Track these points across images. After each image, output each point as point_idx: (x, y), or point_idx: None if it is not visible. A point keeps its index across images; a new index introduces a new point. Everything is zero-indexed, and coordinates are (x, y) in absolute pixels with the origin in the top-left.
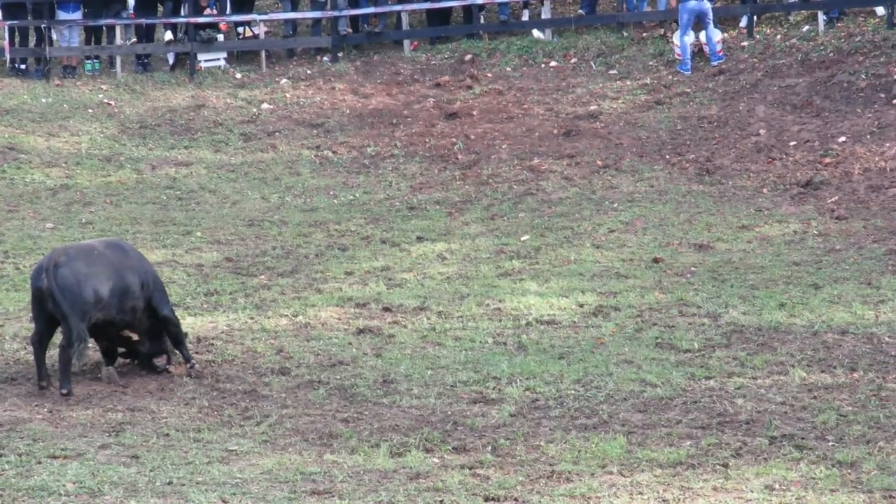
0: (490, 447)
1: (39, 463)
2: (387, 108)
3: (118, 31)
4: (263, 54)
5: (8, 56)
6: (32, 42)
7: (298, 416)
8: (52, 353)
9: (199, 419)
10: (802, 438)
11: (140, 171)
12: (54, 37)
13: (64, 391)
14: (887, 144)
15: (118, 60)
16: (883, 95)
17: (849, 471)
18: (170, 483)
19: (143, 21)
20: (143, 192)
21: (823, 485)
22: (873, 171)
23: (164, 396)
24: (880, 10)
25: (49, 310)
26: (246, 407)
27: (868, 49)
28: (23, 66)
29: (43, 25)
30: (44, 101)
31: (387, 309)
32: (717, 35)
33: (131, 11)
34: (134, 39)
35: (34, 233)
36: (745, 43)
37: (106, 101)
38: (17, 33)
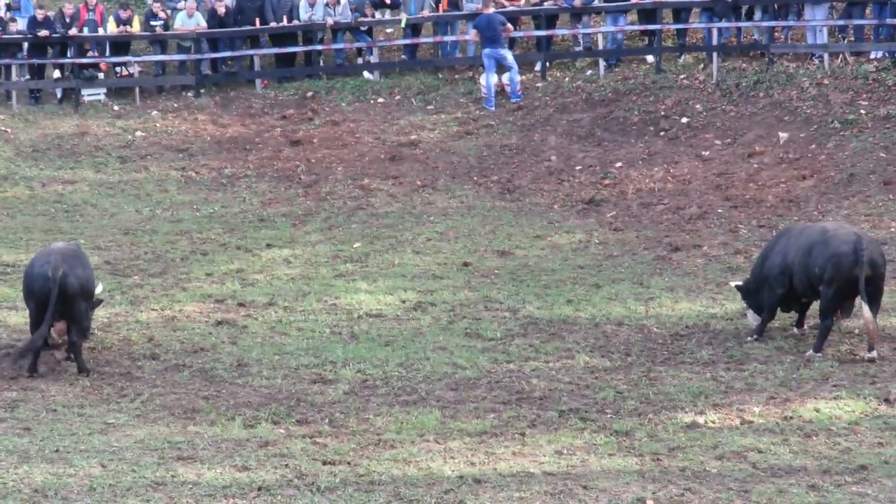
0: (327, 420)
1: None
2: (241, 136)
3: (14, 69)
4: (137, 90)
5: None
6: None
7: (166, 394)
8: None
9: (83, 397)
10: (586, 412)
11: (32, 187)
12: None
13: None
14: (655, 168)
15: (14, 94)
16: (652, 128)
17: (624, 438)
18: (57, 451)
19: (36, 61)
20: (35, 206)
21: (603, 450)
22: (644, 190)
23: (52, 378)
24: (650, 59)
25: (58, 309)
26: (122, 387)
27: (640, 90)
28: None
29: None
30: None
31: (241, 304)
32: (516, 77)
33: (25, 53)
34: (27, 77)
35: None
36: (539, 84)
37: (3, 128)
38: None
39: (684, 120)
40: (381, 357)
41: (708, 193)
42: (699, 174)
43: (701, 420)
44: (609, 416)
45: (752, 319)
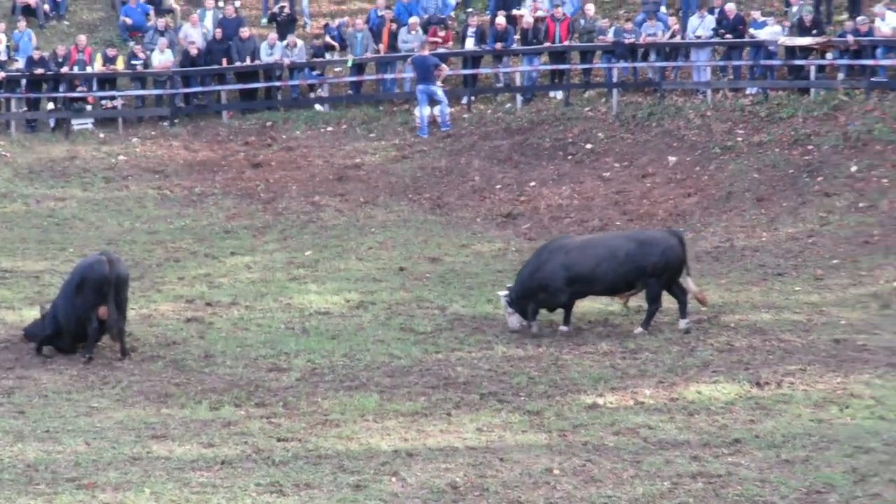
0: (282, 403)
1: None
2: (209, 159)
3: (13, 102)
4: (120, 120)
5: None
6: None
7: (143, 382)
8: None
9: (70, 384)
10: (503, 395)
11: (28, 204)
12: None
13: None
14: (563, 187)
15: (13, 123)
16: (561, 153)
17: (535, 417)
18: (47, 431)
19: (32, 95)
20: (30, 220)
21: (517, 427)
22: (554, 206)
23: (45, 367)
24: (560, 94)
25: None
26: (105, 375)
27: (551, 121)
28: None
29: None
30: None
31: (208, 304)
32: (446, 109)
33: (23, 88)
34: (25, 108)
35: None
36: (465, 115)
37: (3, 153)
38: None
39: (588, 146)
40: (328, 349)
41: (608, 209)
42: (601, 192)
43: (601, 401)
44: (523, 398)
45: (514, 323)
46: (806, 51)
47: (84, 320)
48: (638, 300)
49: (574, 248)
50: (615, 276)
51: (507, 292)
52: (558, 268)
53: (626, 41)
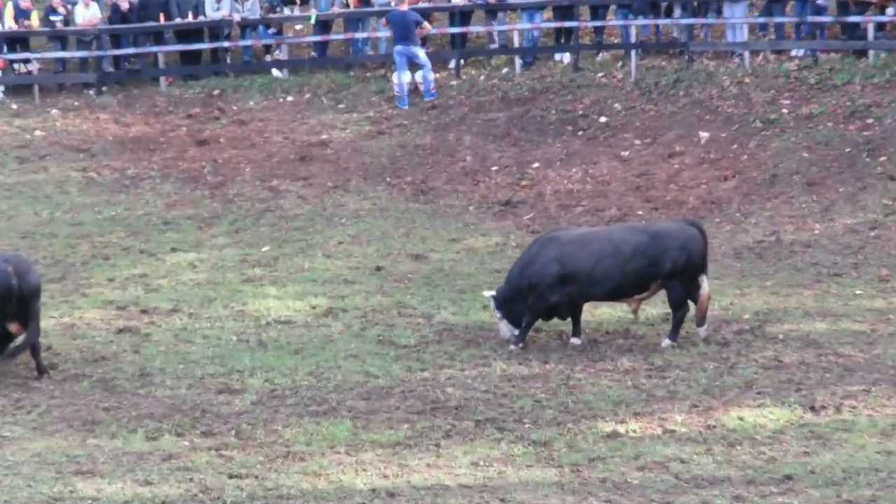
0: (234, 431)
1: None
2: (145, 135)
3: None
4: (36, 88)
5: None
6: None
7: (65, 406)
8: None
9: None
10: (503, 421)
11: None
12: None
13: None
14: (573, 169)
15: None
16: (570, 128)
17: (542, 449)
18: None
19: None
20: None
21: (521, 461)
22: (562, 192)
23: None
24: (567, 57)
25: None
26: (18, 398)
27: (557, 89)
28: None
29: None
30: None
31: (144, 311)
32: (430, 75)
33: None
34: None
35: None
36: (453, 82)
37: None
38: None
39: (603, 119)
40: (291, 365)
41: (628, 195)
42: (618, 175)
43: (622, 429)
44: (527, 425)
45: (505, 331)
46: (862, 5)
47: None
48: (652, 305)
49: (571, 240)
50: (621, 276)
51: (494, 293)
52: (550, 263)
53: None
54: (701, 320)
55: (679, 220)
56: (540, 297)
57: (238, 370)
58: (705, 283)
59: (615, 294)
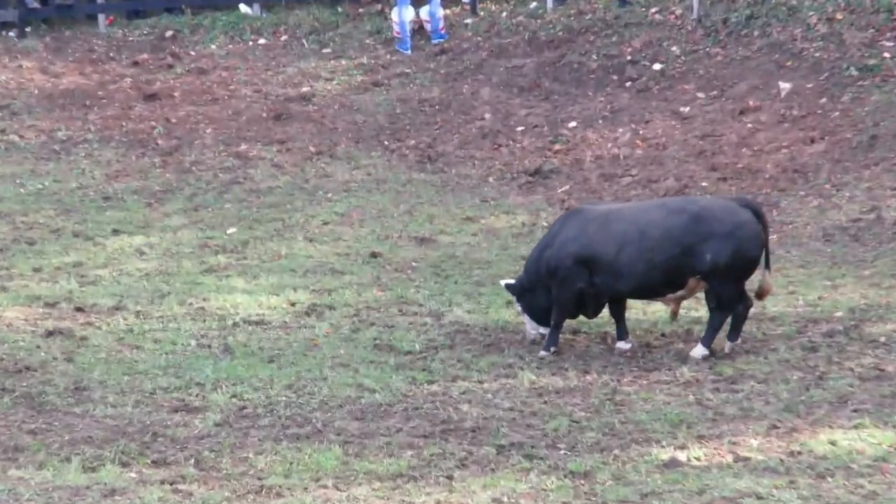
0: (193, 460)
1: None
2: (80, 88)
3: None
4: None
5: None
6: None
7: None
8: None
9: None
10: (532, 447)
11: None
12: None
13: None
14: (620, 130)
15: None
16: (615, 77)
17: (582, 481)
18: None
19: None
20: None
21: (555, 497)
22: (605, 158)
23: None
24: None
25: None
26: None
27: (599, 28)
28: None
29: None
30: None
31: (79, 309)
32: (439, 11)
33: None
34: None
35: None
36: (468, 20)
37: None
38: None
39: (657, 67)
40: (264, 377)
41: (688, 161)
42: (677, 137)
43: (682, 457)
44: (562, 452)
45: (530, 331)
46: None
47: None
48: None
49: (595, 217)
50: (647, 267)
51: (512, 281)
52: (569, 242)
53: None
54: (734, 333)
55: (732, 197)
56: (561, 286)
57: (198, 383)
58: (768, 278)
59: (644, 291)
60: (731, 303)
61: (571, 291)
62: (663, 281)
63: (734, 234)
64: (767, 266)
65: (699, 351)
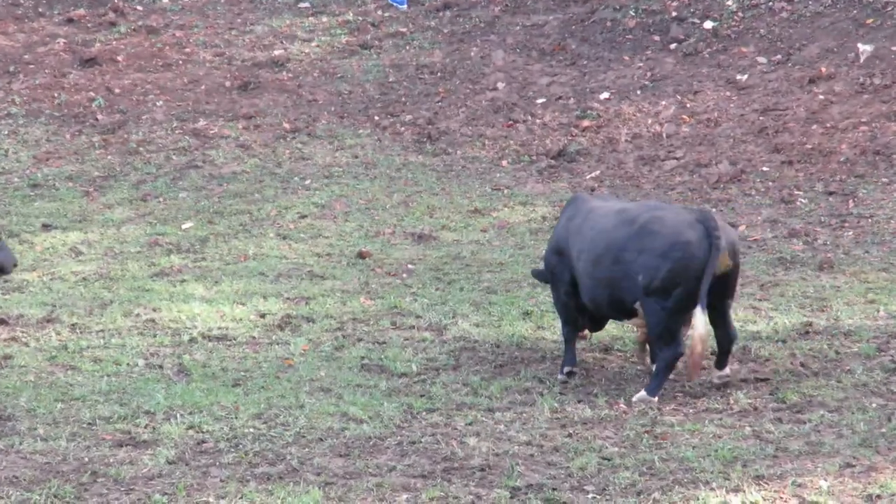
0: None
1: None
2: (1, 50)
3: None
4: None
5: None
6: None
7: None
8: None
9: None
10: (554, 489)
11: None
12: None
13: None
14: (663, 103)
15: None
16: (658, 39)
17: None
18: None
19: None
20: None
21: None
22: (644, 137)
23: None
24: None
25: None
26: None
27: None
28: None
29: None
30: None
31: (1, 321)
32: None
33: None
34: None
35: None
36: None
37: None
38: None
39: (708, 25)
40: (227, 405)
41: (746, 141)
42: (732, 111)
43: (737, 501)
44: (591, 496)
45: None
46: None
47: None
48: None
49: (585, 213)
50: (592, 283)
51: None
52: (554, 235)
53: None
54: (721, 362)
55: (684, 208)
56: (553, 285)
57: (147, 412)
58: (700, 321)
59: (599, 310)
60: (667, 336)
61: (560, 290)
62: (609, 302)
63: (668, 255)
64: (706, 306)
65: (642, 397)
